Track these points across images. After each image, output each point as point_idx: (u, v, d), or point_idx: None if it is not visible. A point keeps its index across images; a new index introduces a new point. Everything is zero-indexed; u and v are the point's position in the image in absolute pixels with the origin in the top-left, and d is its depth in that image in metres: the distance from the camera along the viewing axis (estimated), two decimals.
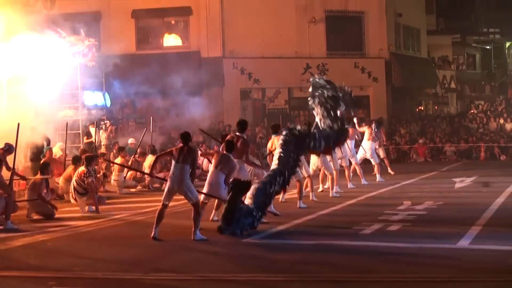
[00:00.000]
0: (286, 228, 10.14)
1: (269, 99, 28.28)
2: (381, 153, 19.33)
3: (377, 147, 18.16)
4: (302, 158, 13.16)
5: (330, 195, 14.11)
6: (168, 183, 9.48)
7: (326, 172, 14.52)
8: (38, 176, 12.45)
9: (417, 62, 32.30)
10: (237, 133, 11.33)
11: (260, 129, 26.65)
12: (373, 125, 17.88)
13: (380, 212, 11.34)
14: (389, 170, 19.07)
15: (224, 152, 10.42)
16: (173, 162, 9.54)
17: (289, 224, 10.47)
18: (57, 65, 16.77)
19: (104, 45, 23.77)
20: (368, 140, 17.66)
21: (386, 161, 19.35)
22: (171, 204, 10.00)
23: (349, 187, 15.71)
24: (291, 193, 13.81)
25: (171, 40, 27.97)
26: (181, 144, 9.70)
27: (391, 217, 10.80)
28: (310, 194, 13.20)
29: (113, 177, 16.50)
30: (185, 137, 9.72)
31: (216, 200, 10.77)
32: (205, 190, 10.16)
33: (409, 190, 15.25)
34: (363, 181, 16.64)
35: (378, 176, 17.47)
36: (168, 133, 23.35)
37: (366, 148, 17.53)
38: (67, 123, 16.34)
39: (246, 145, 11.22)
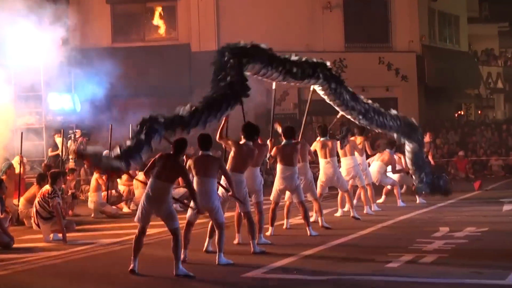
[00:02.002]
0: (294, 261, 10.13)
1: (275, 102, 28.33)
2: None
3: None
4: (311, 177, 13.21)
5: (351, 215, 14.21)
6: (142, 202, 9.38)
7: (340, 190, 14.62)
8: None
9: (455, 56, 32.40)
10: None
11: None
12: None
13: (410, 241, 11.34)
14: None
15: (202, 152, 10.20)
16: (151, 176, 9.40)
17: (297, 255, 10.46)
18: (15, 61, 16.86)
19: (73, 37, 23.86)
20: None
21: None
22: (156, 231, 9.99)
23: (365, 212, 15.50)
24: (297, 217, 13.84)
25: (155, 31, 28.10)
26: (171, 152, 9.41)
27: (425, 247, 10.80)
28: (319, 219, 13.20)
29: (90, 197, 16.55)
30: (180, 145, 9.48)
31: (209, 227, 10.77)
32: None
33: (446, 213, 15.26)
34: (400, 203, 16.74)
35: (399, 201, 17.40)
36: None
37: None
38: (21, 133, 16.41)
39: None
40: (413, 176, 15.36)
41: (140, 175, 17.12)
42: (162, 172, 9.28)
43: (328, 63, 13.33)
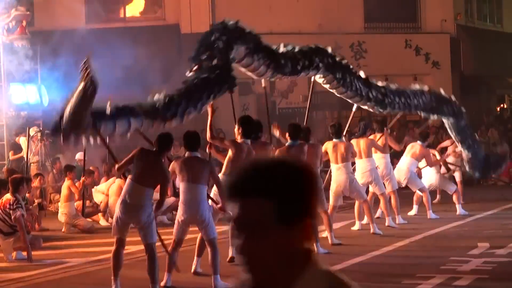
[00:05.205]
0: None
1: (281, 94, 28.36)
2: (457, 175, 19.41)
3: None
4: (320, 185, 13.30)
5: (371, 231, 14.22)
6: (118, 210, 9.46)
7: (357, 200, 14.67)
8: None
9: (497, 39, 32.37)
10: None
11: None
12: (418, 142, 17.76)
13: (443, 259, 11.39)
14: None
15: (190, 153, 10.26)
16: (128, 177, 9.49)
17: None
18: None
19: (39, 17, 23.91)
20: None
21: (459, 187, 19.36)
22: (138, 248, 10.00)
23: (387, 224, 15.44)
24: None
25: (137, 9, 28.13)
26: (154, 149, 9.54)
27: (460, 266, 10.83)
28: (328, 235, 13.24)
29: (60, 208, 16.54)
30: (165, 142, 9.59)
31: (198, 244, 10.74)
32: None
33: (486, 226, 15.28)
34: (431, 214, 16.75)
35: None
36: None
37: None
38: None
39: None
40: (467, 163, 16.49)
41: (102, 185, 17.23)
42: (140, 173, 9.33)
43: (329, 49, 13.21)
